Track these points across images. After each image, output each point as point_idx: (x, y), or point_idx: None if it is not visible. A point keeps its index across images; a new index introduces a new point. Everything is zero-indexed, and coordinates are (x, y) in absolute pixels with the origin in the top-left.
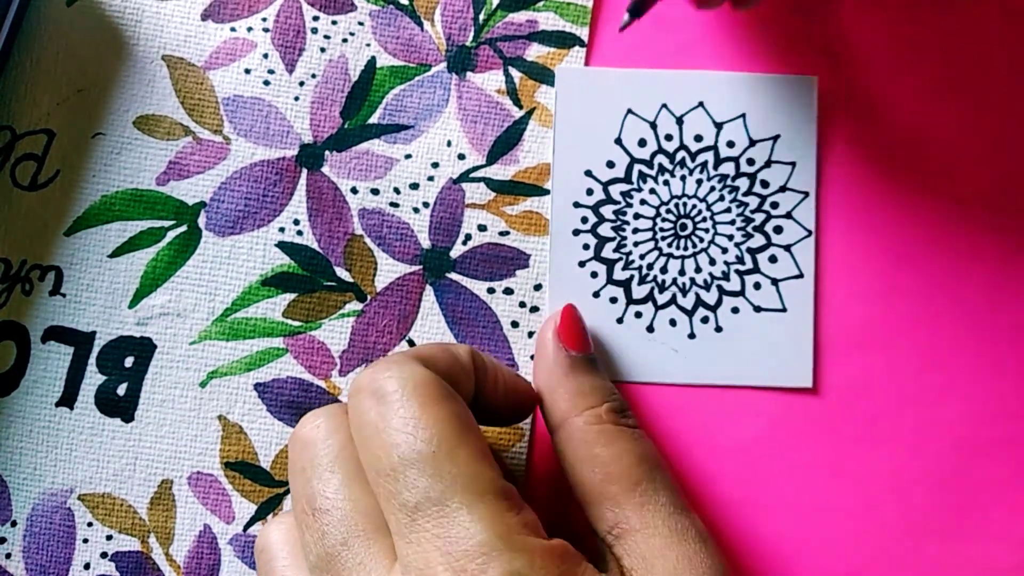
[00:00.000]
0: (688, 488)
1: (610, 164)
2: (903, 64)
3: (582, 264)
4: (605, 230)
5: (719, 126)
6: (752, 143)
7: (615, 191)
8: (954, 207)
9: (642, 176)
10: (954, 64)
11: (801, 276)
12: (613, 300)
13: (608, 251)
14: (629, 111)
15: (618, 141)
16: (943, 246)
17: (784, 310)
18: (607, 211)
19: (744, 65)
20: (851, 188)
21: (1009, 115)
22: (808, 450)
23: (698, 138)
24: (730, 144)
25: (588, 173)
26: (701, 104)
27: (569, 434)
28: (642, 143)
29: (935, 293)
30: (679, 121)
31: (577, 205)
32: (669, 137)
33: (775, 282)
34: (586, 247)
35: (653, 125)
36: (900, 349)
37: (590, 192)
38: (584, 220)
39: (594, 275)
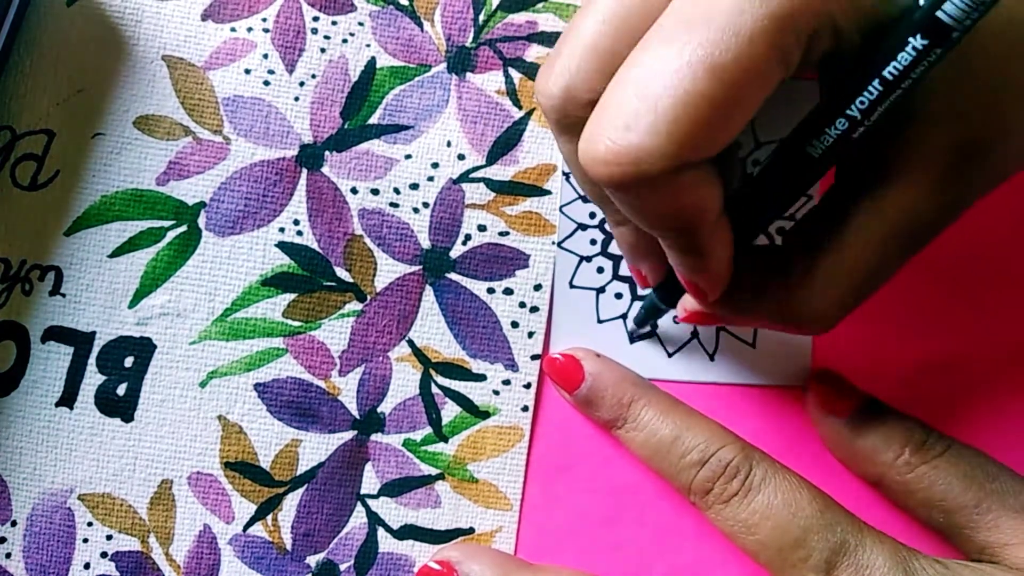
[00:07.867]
0: None
1: None
2: None
3: (588, 259)
4: None
5: None
6: (758, 145)
7: None
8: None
9: None
10: None
11: None
12: (618, 296)
13: (615, 247)
14: None
15: None
16: (946, 249)
17: None
18: None
19: None
20: None
21: None
22: (807, 449)
23: None
24: (737, 145)
25: None
26: None
27: (890, 489)
28: None
29: (937, 296)
30: None
31: (585, 200)
32: None
33: None
34: (593, 242)
35: None
36: (899, 350)
37: None
38: (592, 215)
39: (600, 270)
